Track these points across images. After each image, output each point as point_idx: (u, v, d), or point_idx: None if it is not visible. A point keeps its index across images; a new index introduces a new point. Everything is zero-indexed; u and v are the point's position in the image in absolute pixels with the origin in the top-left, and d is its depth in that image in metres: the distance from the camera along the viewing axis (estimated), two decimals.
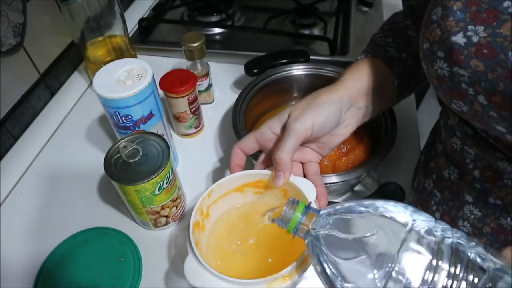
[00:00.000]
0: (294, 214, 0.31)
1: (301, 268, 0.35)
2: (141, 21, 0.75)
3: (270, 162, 0.41)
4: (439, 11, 0.31)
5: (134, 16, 0.80)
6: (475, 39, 0.28)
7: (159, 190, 0.42)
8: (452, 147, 0.38)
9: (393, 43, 0.47)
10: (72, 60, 0.70)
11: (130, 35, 0.70)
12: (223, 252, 0.40)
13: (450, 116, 0.39)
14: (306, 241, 0.30)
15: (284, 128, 0.40)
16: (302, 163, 0.43)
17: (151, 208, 0.44)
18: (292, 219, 0.31)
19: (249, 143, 0.41)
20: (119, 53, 0.66)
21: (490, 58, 0.28)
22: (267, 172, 0.40)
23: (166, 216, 0.46)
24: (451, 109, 0.33)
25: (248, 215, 0.43)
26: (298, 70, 0.57)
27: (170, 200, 0.45)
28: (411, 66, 0.46)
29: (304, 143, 0.41)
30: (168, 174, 0.42)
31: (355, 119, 0.42)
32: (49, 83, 0.65)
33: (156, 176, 0.40)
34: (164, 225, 0.48)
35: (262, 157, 0.42)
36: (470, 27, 0.29)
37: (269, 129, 0.41)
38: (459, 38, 0.29)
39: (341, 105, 0.40)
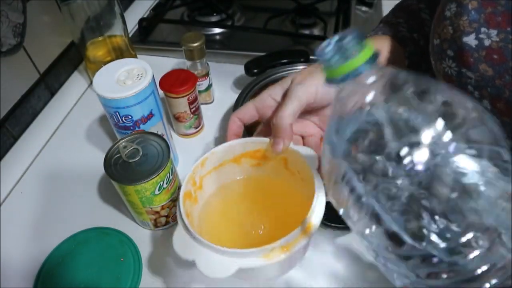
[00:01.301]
0: (359, 54, 0.21)
1: (302, 239, 0.32)
2: (141, 21, 0.75)
3: (269, 133, 0.38)
4: (453, 8, 0.30)
5: (134, 16, 0.80)
6: (487, 42, 0.28)
7: (159, 190, 0.42)
8: None
9: (405, 23, 0.45)
10: (72, 60, 0.70)
11: (130, 35, 0.70)
12: (217, 225, 0.38)
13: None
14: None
15: (285, 95, 0.37)
16: (303, 138, 0.41)
17: (151, 208, 0.44)
18: (355, 58, 0.21)
19: (248, 110, 0.39)
20: (119, 53, 0.66)
21: (499, 64, 0.27)
22: (266, 140, 0.38)
23: (166, 216, 0.46)
24: None
25: (245, 189, 0.41)
26: (298, 70, 0.57)
27: (170, 200, 0.45)
28: (423, 47, 0.43)
29: (306, 115, 0.39)
30: (168, 174, 0.42)
31: None
32: (49, 83, 0.65)
33: (156, 176, 0.40)
34: (164, 225, 0.48)
35: (260, 127, 0.40)
36: (483, 29, 0.28)
37: (270, 95, 0.38)
38: (470, 40, 0.28)
39: None
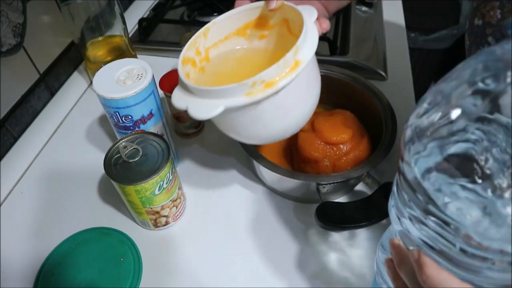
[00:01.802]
0: None
1: (289, 74, 0.30)
2: (141, 21, 0.75)
3: None
4: None
5: (134, 16, 0.80)
6: None
7: (159, 190, 0.42)
8: None
9: None
10: (72, 60, 0.70)
11: (130, 35, 0.70)
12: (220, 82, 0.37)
13: None
14: None
15: None
16: None
17: (151, 208, 0.44)
18: None
19: None
20: (119, 53, 0.66)
21: None
22: (262, 3, 0.37)
23: (166, 216, 0.46)
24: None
25: (254, 59, 0.40)
26: None
27: (170, 200, 0.45)
28: None
29: None
30: (168, 174, 0.42)
31: None
32: (49, 83, 0.65)
33: (156, 176, 0.40)
34: (164, 225, 0.48)
35: None
36: None
37: None
38: None
39: None
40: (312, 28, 0.34)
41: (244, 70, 0.39)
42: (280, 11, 0.38)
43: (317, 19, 0.36)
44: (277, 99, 0.32)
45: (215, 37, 0.39)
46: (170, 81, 0.53)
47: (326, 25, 0.37)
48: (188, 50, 0.37)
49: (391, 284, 0.27)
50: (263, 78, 0.30)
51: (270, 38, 0.39)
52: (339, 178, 0.44)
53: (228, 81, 0.34)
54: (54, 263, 0.45)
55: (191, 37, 0.56)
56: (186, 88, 0.33)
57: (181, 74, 0.34)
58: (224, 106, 0.31)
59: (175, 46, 0.72)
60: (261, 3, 0.37)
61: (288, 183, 0.47)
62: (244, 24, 0.39)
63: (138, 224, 0.49)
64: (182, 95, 0.33)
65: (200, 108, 0.32)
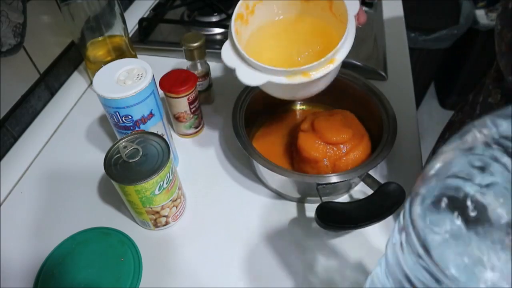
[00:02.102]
0: None
1: (322, 69, 0.38)
2: (141, 21, 0.75)
3: None
4: None
5: (134, 16, 0.80)
6: None
7: (159, 190, 0.42)
8: None
9: None
10: (72, 60, 0.70)
11: (130, 35, 0.70)
12: (262, 46, 0.44)
13: (492, 94, 0.37)
14: None
15: None
16: None
17: (151, 208, 0.44)
18: None
19: None
20: (119, 53, 0.66)
21: None
22: None
23: (166, 216, 0.46)
24: (506, 82, 0.30)
25: (294, 24, 0.45)
26: None
27: (170, 200, 0.45)
28: None
29: None
30: (168, 174, 0.42)
31: None
32: (49, 83, 0.65)
33: (156, 176, 0.40)
34: (164, 225, 0.48)
35: None
36: None
37: None
38: None
39: None
40: (352, 28, 0.40)
41: (281, 36, 0.45)
42: None
43: (357, 14, 0.40)
44: (309, 83, 0.39)
45: None
46: (170, 81, 0.53)
47: (363, 18, 0.41)
48: (240, 6, 0.42)
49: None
50: (302, 70, 0.37)
51: (311, 6, 0.44)
52: (339, 178, 0.44)
53: (267, 42, 0.44)
54: (54, 263, 0.45)
55: (191, 36, 0.57)
56: (237, 51, 0.39)
57: (234, 34, 0.40)
58: (267, 79, 0.38)
59: (175, 46, 0.72)
60: None
61: (288, 183, 0.47)
62: None
63: (138, 224, 0.49)
64: (232, 56, 0.40)
65: (247, 75, 0.39)
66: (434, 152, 0.48)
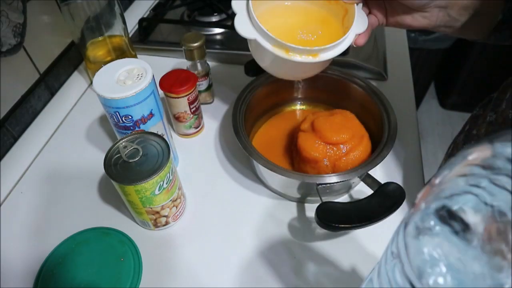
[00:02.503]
0: None
1: (329, 53, 0.40)
2: (141, 21, 0.75)
3: None
4: None
5: (134, 16, 0.80)
6: None
7: (159, 190, 0.42)
8: (508, 117, 0.38)
9: None
10: (72, 60, 0.70)
11: (130, 35, 0.70)
12: (276, 21, 0.45)
13: None
14: None
15: None
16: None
17: (151, 208, 0.44)
18: None
19: None
20: (119, 53, 0.66)
21: None
22: None
23: (166, 216, 0.46)
24: None
25: (307, 8, 0.46)
26: None
27: (170, 200, 0.45)
28: None
29: None
30: (168, 174, 0.42)
31: (435, 20, 0.41)
32: (49, 83, 0.65)
33: (156, 176, 0.40)
34: (164, 225, 0.48)
35: None
36: None
37: None
38: None
39: None
40: (348, 40, 0.42)
41: (289, 19, 0.47)
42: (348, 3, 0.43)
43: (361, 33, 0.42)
44: (288, 62, 0.41)
45: None
46: (170, 81, 0.53)
47: (361, 42, 0.43)
48: None
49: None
50: (288, 47, 0.39)
51: (328, 5, 0.45)
52: (339, 178, 0.44)
53: (279, 15, 0.46)
54: (54, 263, 0.45)
55: (191, 36, 0.57)
56: (254, 21, 0.41)
57: (251, 5, 0.40)
58: (255, 38, 0.41)
59: (175, 46, 0.72)
60: None
61: (288, 183, 0.47)
62: None
63: (138, 224, 0.49)
64: (249, 25, 0.41)
65: (242, 25, 0.41)
66: (453, 142, 0.48)
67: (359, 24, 0.42)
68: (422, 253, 0.21)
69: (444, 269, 0.20)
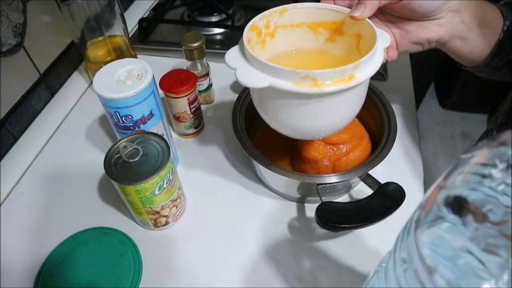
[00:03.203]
0: None
1: (339, 83, 0.32)
2: (141, 21, 0.75)
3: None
4: None
5: (134, 16, 0.80)
6: None
7: (159, 190, 0.42)
8: None
9: None
10: (72, 60, 0.70)
11: (130, 35, 0.70)
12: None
13: None
14: None
15: None
16: None
17: (151, 208, 0.44)
18: None
19: None
20: (119, 53, 0.66)
21: None
22: (347, 11, 0.38)
23: (166, 216, 0.46)
24: None
25: (315, 58, 0.41)
26: None
27: (170, 200, 0.45)
28: None
29: (387, 23, 0.40)
30: (168, 174, 0.42)
31: (451, 27, 0.40)
32: (49, 83, 0.65)
33: (156, 176, 0.40)
34: (164, 225, 0.48)
35: None
36: None
37: None
38: None
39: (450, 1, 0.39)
40: (380, 53, 0.35)
41: (300, 63, 0.41)
42: (358, 24, 0.38)
43: (387, 47, 0.37)
44: (319, 101, 0.33)
45: (289, 20, 0.40)
46: (170, 81, 0.53)
47: (394, 55, 0.39)
48: (260, 19, 0.38)
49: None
50: (315, 75, 0.31)
51: (337, 44, 0.40)
52: (339, 178, 0.44)
53: (281, 62, 0.36)
54: (54, 263, 0.45)
55: (191, 36, 0.57)
56: (242, 51, 0.35)
57: (245, 37, 0.36)
58: (269, 83, 0.32)
59: (175, 46, 0.72)
60: (345, 10, 0.38)
61: (288, 183, 0.47)
62: (320, 21, 0.40)
63: (138, 224, 0.49)
64: (236, 56, 0.35)
65: (248, 75, 0.33)
66: (486, 134, 0.48)
67: (381, 38, 0.36)
68: (432, 249, 0.21)
69: (449, 263, 0.20)
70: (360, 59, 0.32)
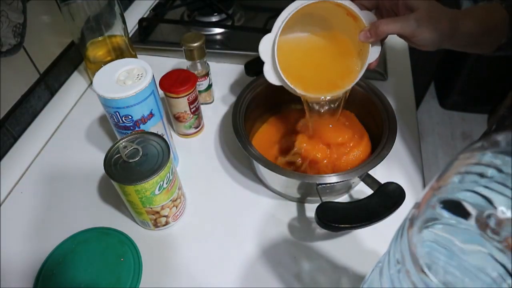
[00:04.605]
0: None
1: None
2: (141, 21, 0.75)
3: None
4: None
5: (134, 16, 0.80)
6: None
7: (159, 190, 0.42)
8: None
9: None
10: (72, 60, 0.70)
11: (130, 35, 0.70)
12: (291, 57, 0.46)
13: None
14: None
15: None
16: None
17: (151, 208, 0.44)
18: None
19: None
20: (119, 53, 0.66)
21: None
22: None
23: (166, 216, 0.46)
24: None
25: (321, 36, 0.48)
26: None
27: (170, 200, 0.45)
28: None
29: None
30: (168, 174, 0.42)
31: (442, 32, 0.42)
32: (49, 83, 0.65)
33: (156, 176, 0.40)
34: (164, 225, 0.48)
35: None
36: None
37: None
38: None
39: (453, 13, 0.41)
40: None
41: (310, 60, 0.48)
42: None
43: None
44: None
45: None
46: (170, 81, 0.53)
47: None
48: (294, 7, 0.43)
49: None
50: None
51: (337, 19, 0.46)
52: (339, 178, 0.44)
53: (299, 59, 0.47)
54: (54, 263, 0.45)
55: (191, 36, 0.57)
56: (277, 72, 0.44)
57: (278, 64, 0.43)
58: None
59: (175, 46, 0.72)
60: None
61: (288, 183, 0.47)
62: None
63: (138, 224, 0.49)
64: (268, 48, 0.44)
65: (271, 76, 0.45)
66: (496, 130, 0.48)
67: (373, 54, 0.45)
68: (426, 247, 0.21)
69: (445, 261, 0.20)
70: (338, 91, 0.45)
